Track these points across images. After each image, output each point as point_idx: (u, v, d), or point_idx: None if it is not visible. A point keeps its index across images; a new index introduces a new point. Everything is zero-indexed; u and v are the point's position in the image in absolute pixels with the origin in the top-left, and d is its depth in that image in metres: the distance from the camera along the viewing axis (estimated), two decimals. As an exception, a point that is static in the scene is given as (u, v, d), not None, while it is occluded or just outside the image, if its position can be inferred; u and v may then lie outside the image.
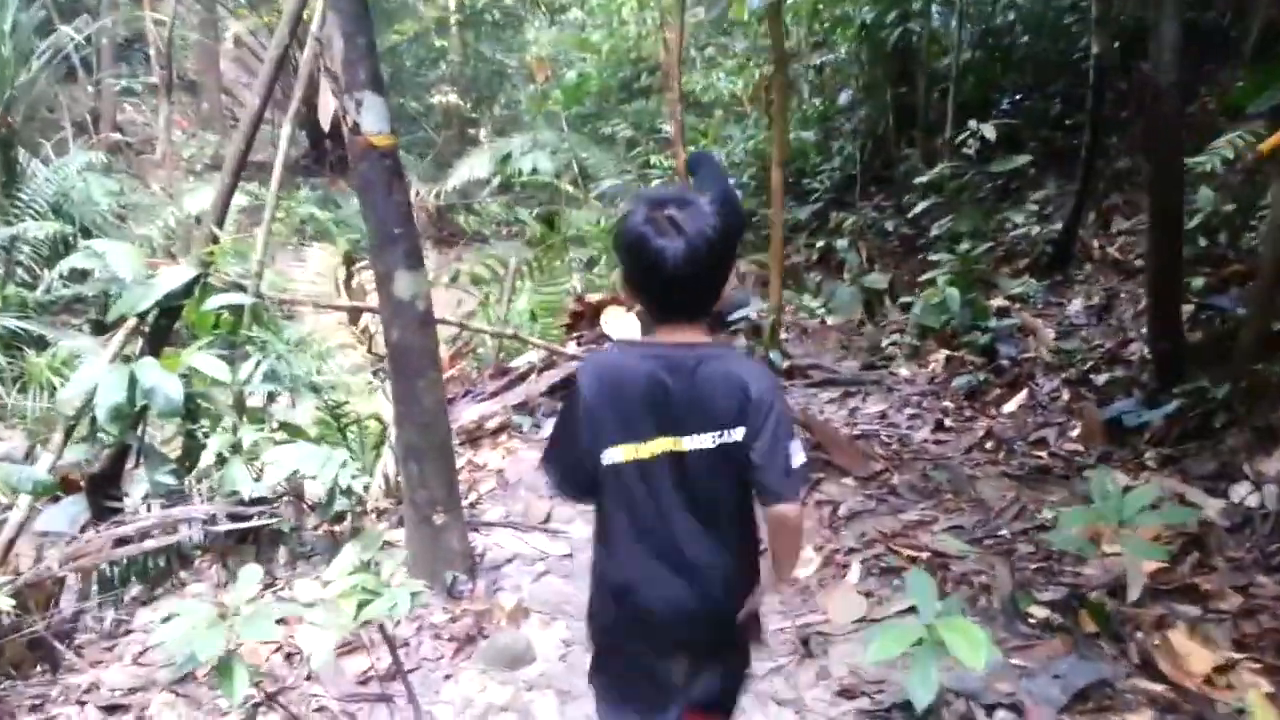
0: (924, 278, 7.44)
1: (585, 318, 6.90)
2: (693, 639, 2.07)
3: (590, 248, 11.09)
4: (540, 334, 7.18)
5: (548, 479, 2.20)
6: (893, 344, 6.66)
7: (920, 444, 5.07)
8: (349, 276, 8.64)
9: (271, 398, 4.89)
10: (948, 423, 5.29)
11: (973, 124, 7.10)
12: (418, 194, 17.92)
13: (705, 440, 1.92)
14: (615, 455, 1.97)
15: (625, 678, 2.18)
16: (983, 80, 9.66)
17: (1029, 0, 9.52)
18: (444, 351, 7.40)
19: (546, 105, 14.87)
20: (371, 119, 3.81)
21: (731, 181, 9.31)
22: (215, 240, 5.20)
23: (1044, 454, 4.80)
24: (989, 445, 4.92)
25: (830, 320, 8.39)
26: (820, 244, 9.15)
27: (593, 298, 6.97)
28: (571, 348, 6.66)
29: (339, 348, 6.98)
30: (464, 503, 4.89)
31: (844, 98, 10.73)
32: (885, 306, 7.88)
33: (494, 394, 6.25)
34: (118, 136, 12.83)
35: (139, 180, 13.03)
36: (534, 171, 13.59)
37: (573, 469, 2.06)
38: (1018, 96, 9.40)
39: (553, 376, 6.19)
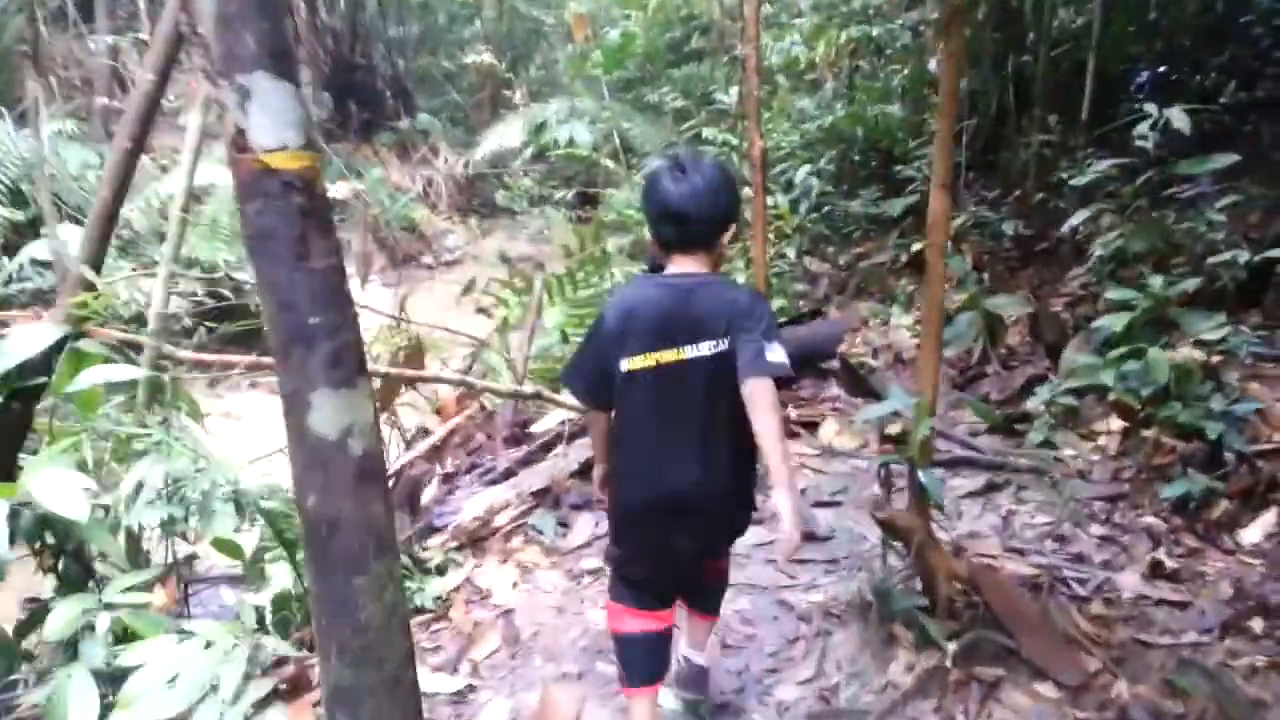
0: (1078, 308, 5.61)
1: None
2: (698, 510, 2.36)
3: (633, 233, 9.29)
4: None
5: (572, 389, 2.72)
6: (1041, 402, 4.82)
7: (1134, 602, 3.30)
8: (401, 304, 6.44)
9: (167, 530, 3.17)
10: (1167, 561, 3.51)
11: (1150, 108, 5.18)
12: (446, 161, 16.20)
13: (703, 349, 2.25)
14: (631, 364, 2.30)
15: (642, 550, 2.49)
16: (1118, 46, 7.67)
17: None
18: (448, 394, 5.66)
19: (586, 68, 12.96)
20: (267, 122, 2.01)
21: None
22: (90, 286, 3.45)
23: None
24: (1249, 616, 3.15)
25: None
26: (915, 245, 7.27)
27: None
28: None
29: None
30: (452, 678, 3.17)
31: (935, 65, 8.74)
32: (1007, 335, 6.02)
33: (508, 473, 4.53)
34: (105, 101, 11.03)
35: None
36: (571, 143, 11.75)
37: (597, 378, 2.39)
38: (1161, 69, 7.43)
39: (586, 448, 4.46)
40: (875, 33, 7.79)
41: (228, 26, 1.93)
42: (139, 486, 2.94)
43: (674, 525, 2.37)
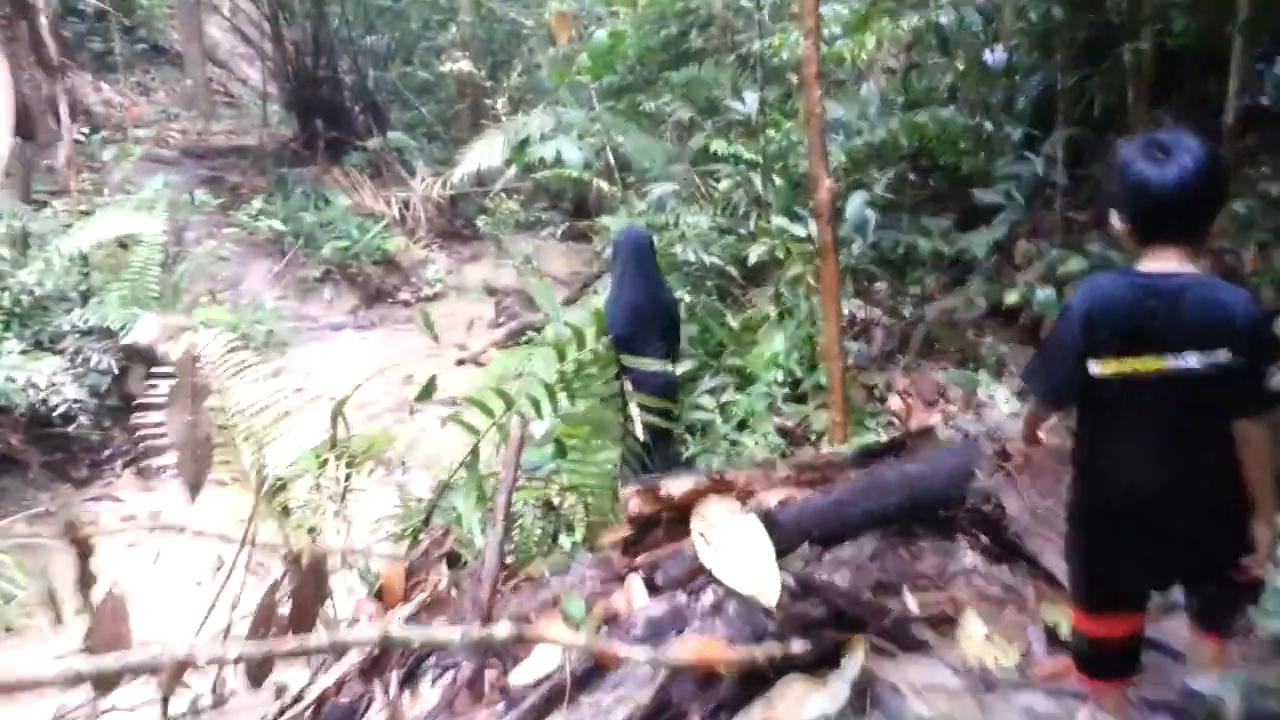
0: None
1: (661, 524, 3.28)
2: (1180, 528, 2.18)
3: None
4: (578, 547, 3.61)
5: (1033, 389, 2.50)
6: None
7: None
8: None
9: None
10: None
11: None
12: (423, 181, 14.26)
13: (1189, 360, 2.04)
14: (1103, 368, 2.12)
15: (1118, 567, 2.29)
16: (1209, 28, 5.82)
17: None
18: (391, 569, 3.77)
19: (571, 74, 11.05)
20: None
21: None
22: None
23: None
24: None
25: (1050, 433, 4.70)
26: (1011, 294, 5.40)
27: (675, 487, 3.26)
28: (630, 597, 3.06)
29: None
30: None
31: (992, 57, 6.83)
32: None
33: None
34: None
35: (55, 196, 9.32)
36: (558, 161, 9.87)
37: (1063, 380, 2.24)
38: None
39: (621, 702, 2.61)
40: (944, 20, 5.91)
41: None
42: None
43: (1152, 531, 2.22)
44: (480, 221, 12.51)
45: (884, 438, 5.59)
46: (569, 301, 11.62)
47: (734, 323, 7.36)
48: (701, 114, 9.40)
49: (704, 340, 7.28)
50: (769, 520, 3.10)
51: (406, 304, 12.05)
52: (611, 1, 11.91)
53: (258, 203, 10.95)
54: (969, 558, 3.38)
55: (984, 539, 3.55)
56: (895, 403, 5.91)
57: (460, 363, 10.04)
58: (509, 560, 4.15)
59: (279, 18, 15.03)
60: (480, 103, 15.57)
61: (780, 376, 6.45)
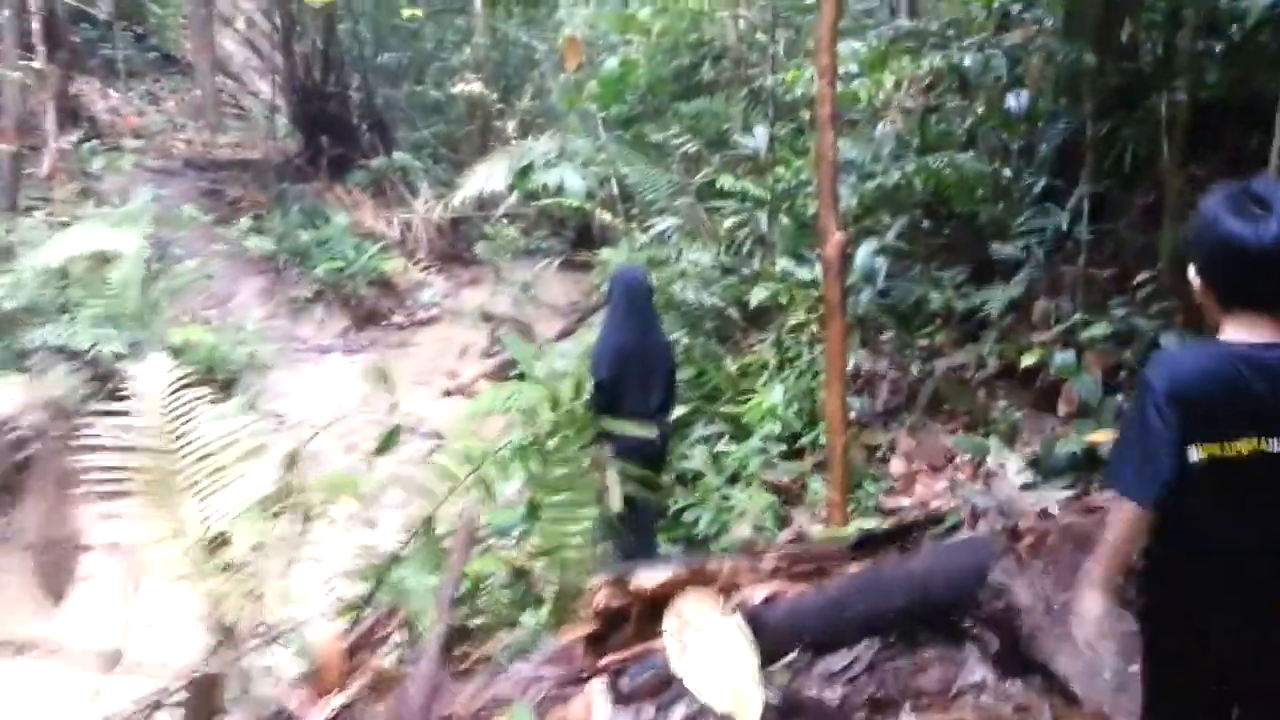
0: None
1: (632, 619, 2.84)
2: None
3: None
4: (542, 630, 3.18)
5: (1132, 493, 1.92)
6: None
7: None
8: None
9: None
10: None
11: None
12: (426, 203, 13.94)
13: None
14: (1197, 453, 1.82)
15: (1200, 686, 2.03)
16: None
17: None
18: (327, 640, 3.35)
19: (580, 100, 10.71)
20: None
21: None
22: None
23: None
24: None
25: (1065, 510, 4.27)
26: (1028, 355, 4.98)
27: (648, 579, 2.81)
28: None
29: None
30: None
31: (1014, 102, 6.44)
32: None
33: None
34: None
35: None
36: (560, 189, 9.52)
37: (1166, 474, 1.84)
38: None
39: None
40: (967, 62, 5.53)
41: None
42: None
43: (1249, 640, 1.90)
44: (480, 248, 12.14)
45: (886, 507, 5.18)
46: (565, 333, 11.24)
47: (732, 367, 6.96)
48: (710, 147, 9.04)
49: (699, 384, 6.88)
50: (755, 621, 2.69)
51: (400, 327, 11.68)
52: (625, 29, 11.59)
53: (245, 220, 10.57)
54: (978, 671, 2.95)
55: (994, 643, 3.12)
56: (898, 465, 5.50)
57: (448, 393, 9.64)
58: (475, 622, 3.76)
59: (291, 31, 14.78)
60: (490, 125, 15.25)
61: (777, 430, 6.05)
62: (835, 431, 3.41)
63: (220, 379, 8.37)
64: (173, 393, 4.07)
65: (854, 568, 3.03)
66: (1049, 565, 3.95)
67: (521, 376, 8.39)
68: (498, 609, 3.94)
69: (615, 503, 3.52)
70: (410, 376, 10.30)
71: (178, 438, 3.90)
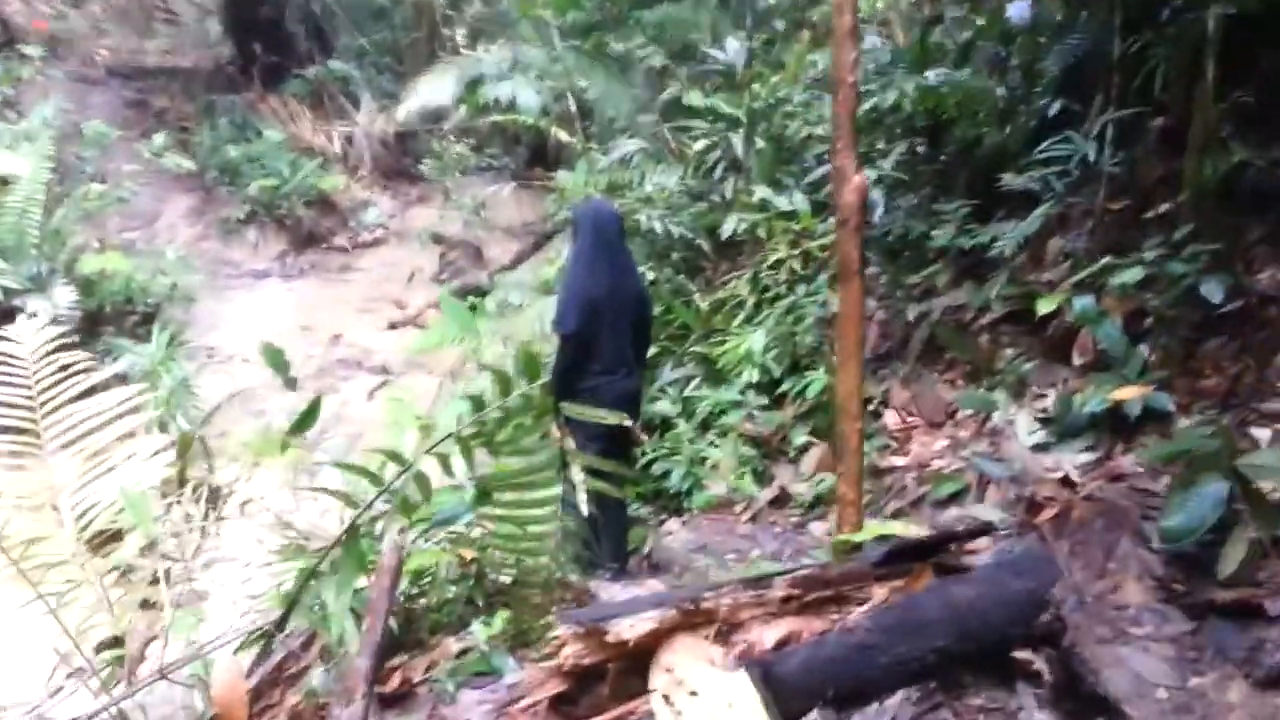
0: None
1: (610, 677, 2.20)
2: None
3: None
4: (496, 648, 2.55)
5: None
6: None
7: None
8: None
9: None
10: None
11: None
12: (369, 116, 12.86)
13: None
14: None
15: None
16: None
17: None
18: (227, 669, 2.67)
19: (534, 7, 9.71)
20: None
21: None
22: None
23: None
24: None
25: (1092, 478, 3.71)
26: (1046, 301, 4.37)
27: (629, 627, 2.17)
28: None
29: None
30: None
31: (1016, 11, 5.72)
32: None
33: None
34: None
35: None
36: (513, 106, 8.65)
37: None
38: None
39: None
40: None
41: None
42: None
43: None
44: (426, 167, 11.21)
45: (881, 467, 4.60)
46: (519, 259, 10.47)
47: (703, 304, 6.30)
48: (677, 60, 8.18)
49: (666, 322, 6.21)
50: (765, 674, 2.08)
51: (342, 250, 10.80)
52: (581, -74, 10.53)
53: (162, 136, 9.52)
54: (1035, 718, 2.37)
55: (1046, 671, 2.55)
56: (892, 419, 4.91)
57: (393, 326, 8.87)
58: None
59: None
60: (437, 32, 14.10)
61: (755, 377, 5.43)
62: (850, 417, 2.78)
63: (140, 312, 7.52)
64: (46, 356, 3.32)
65: (880, 592, 2.43)
66: (1076, 546, 3.40)
67: (473, 309, 7.65)
68: (442, 609, 3.30)
69: (583, 506, 2.86)
70: (354, 304, 9.51)
71: (48, 414, 3.16)
